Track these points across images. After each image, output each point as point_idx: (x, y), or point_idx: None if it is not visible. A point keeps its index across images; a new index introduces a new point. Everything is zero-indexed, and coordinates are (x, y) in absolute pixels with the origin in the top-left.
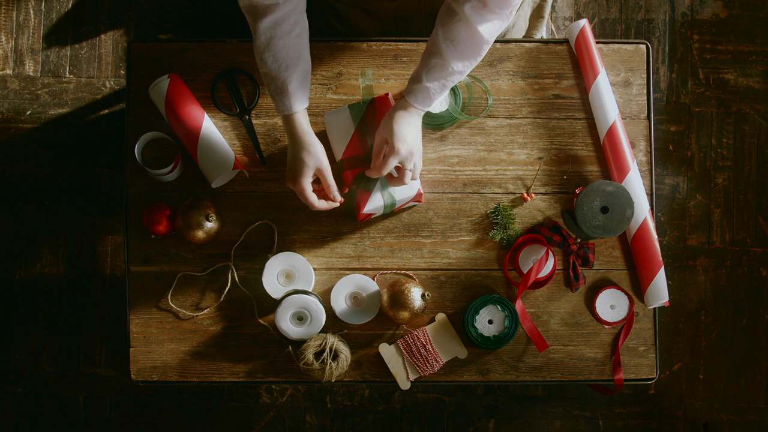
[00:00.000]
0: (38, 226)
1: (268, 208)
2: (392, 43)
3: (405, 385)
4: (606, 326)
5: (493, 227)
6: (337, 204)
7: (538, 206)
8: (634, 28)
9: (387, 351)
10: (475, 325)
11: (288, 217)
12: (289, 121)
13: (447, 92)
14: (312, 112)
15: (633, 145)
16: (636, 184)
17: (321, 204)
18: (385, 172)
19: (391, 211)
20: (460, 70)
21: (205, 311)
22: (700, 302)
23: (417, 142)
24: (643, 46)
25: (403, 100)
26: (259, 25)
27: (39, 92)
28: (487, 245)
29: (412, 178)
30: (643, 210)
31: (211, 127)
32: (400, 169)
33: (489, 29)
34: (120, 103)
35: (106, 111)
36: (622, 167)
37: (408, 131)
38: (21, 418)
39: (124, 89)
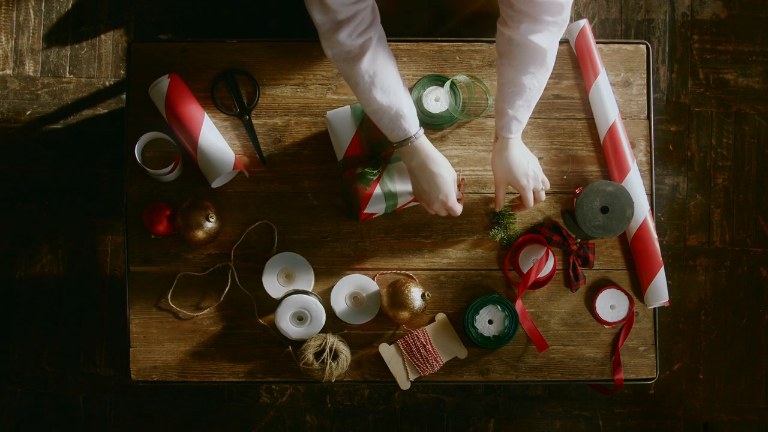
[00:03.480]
0: (38, 226)
1: (268, 208)
2: (392, 43)
3: (405, 385)
4: (606, 326)
5: (493, 227)
6: (461, 201)
7: (538, 206)
8: (634, 28)
9: (387, 351)
10: (475, 325)
11: (288, 217)
12: (413, 149)
13: (533, 107)
14: (312, 112)
15: (633, 145)
16: (636, 184)
17: (459, 209)
18: (531, 206)
19: (392, 211)
20: (538, 85)
21: (205, 311)
22: (700, 302)
23: (532, 161)
24: (643, 46)
25: (501, 138)
26: (360, 67)
27: (39, 92)
28: (487, 245)
29: (546, 192)
30: (643, 210)
31: (211, 127)
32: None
33: (548, 39)
34: (120, 103)
35: (106, 111)
36: (622, 167)
37: (520, 162)
38: (21, 418)
39: (124, 89)
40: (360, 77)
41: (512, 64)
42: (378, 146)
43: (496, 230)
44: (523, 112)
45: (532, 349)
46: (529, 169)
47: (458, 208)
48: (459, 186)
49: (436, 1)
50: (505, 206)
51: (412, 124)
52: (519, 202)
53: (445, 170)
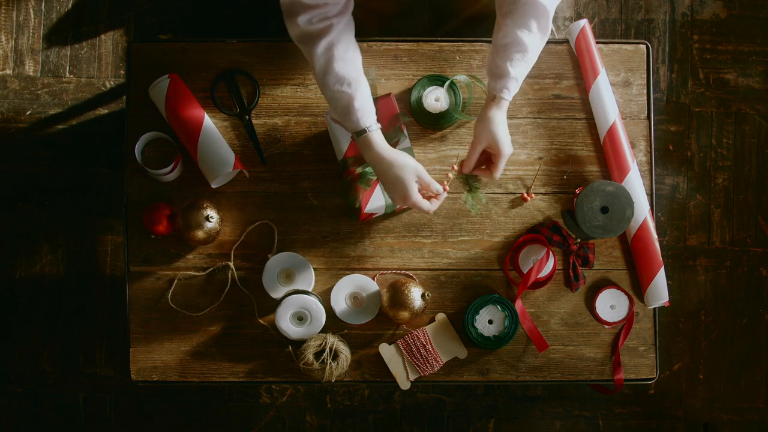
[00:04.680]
0: (38, 226)
1: (268, 208)
2: (392, 43)
3: (405, 385)
4: (606, 326)
5: (464, 192)
6: (445, 195)
7: (538, 206)
8: (634, 28)
9: (387, 351)
10: (475, 325)
11: (288, 217)
12: (365, 142)
13: (527, 72)
14: (313, 112)
15: (633, 145)
16: (636, 184)
17: (434, 205)
18: (498, 176)
19: (392, 211)
20: (536, 48)
21: (205, 311)
22: (700, 302)
23: (509, 135)
24: (643, 46)
25: (496, 99)
26: (316, 50)
27: (39, 92)
28: (487, 245)
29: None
30: (643, 210)
31: (211, 127)
32: (491, 163)
33: (552, 1)
34: (120, 102)
35: (106, 111)
36: (622, 167)
37: (506, 131)
38: (21, 418)
39: (124, 89)
40: (316, 60)
41: (516, 24)
42: None
43: (466, 195)
44: (522, 73)
45: (532, 349)
46: (508, 140)
47: (425, 206)
48: (447, 176)
49: (435, 3)
50: (468, 177)
51: (362, 118)
52: (481, 172)
53: (400, 170)
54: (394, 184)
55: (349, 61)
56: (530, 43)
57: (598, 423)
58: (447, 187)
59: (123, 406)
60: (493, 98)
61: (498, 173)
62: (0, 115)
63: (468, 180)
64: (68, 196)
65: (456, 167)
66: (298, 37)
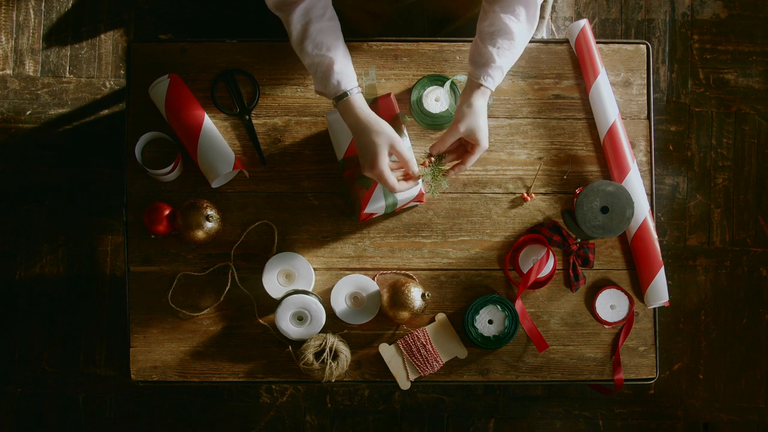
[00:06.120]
0: (38, 226)
1: (268, 208)
2: (392, 43)
3: (405, 385)
4: (606, 326)
5: (426, 168)
6: (415, 183)
7: (538, 206)
8: (634, 28)
9: (387, 351)
10: (475, 325)
11: (288, 217)
12: (346, 106)
13: (512, 64)
14: (313, 112)
15: (633, 145)
16: (636, 184)
17: (402, 185)
18: (469, 167)
19: (392, 211)
20: (526, 38)
21: (205, 311)
22: (700, 302)
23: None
24: (643, 46)
25: (481, 88)
26: (293, 16)
27: (39, 92)
28: (487, 245)
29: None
30: (643, 210)
31: (211, 127)
32: (464, 153)
33: None
34: (120, 103)
35: (106, 111)
36: (622, 167)
37: (486, 123)
38: (21, 418)
39: (124, 89)
40: (293, 27)
41: (504, 10)
42: None
43: (426, 171)
44: (507, 63)
45: (532, 349)
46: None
47: (390, 180)
48: (424, 164)
49: (432, 10)
50: (437, 158)
51: (343, 80)
52: (454, 165)
53: (374, 135)
54: (366, 148)
55: (326, 27)
56: (518, 32)
57: (598, 423)
58: (420, 174)
59: (123, 406)
60: (479, 86)
61: (470, 164)
62: (0, 115)
63: (435, 162)
64: (68, 196)
65: (432, 159)
66: (275, 4)
